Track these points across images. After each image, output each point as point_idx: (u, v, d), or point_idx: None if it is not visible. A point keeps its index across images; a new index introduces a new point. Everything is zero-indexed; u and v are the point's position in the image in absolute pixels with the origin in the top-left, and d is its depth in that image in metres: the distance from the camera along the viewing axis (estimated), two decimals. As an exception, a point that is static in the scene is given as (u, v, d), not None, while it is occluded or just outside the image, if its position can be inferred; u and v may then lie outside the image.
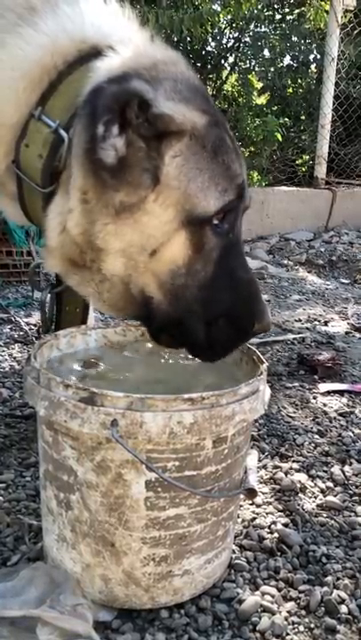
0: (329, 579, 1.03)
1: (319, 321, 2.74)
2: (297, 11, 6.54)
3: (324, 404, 1.79)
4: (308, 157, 6.11)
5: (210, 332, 0.98)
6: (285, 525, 1.17)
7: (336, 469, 1.40)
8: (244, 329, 1.00)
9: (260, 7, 5.99)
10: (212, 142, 0.94)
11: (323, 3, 5.59)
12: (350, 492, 1.32)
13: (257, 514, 1.21)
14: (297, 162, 6.21)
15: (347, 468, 1.42)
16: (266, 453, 1.45)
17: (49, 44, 0.97)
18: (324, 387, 1.92)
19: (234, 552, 1.07)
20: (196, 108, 0.93)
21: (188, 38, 5.71)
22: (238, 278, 0.99)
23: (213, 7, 5.31)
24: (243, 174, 0.98)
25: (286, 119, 6.37)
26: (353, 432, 1.61)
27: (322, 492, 1.31)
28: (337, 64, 4.92)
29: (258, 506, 1.24)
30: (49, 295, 1.24)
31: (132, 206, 0.91)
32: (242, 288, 0.99)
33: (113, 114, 0.86)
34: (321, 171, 5.09)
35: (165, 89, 0.91)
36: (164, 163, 0.91)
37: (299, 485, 1.31)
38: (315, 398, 1.84)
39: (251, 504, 1.24)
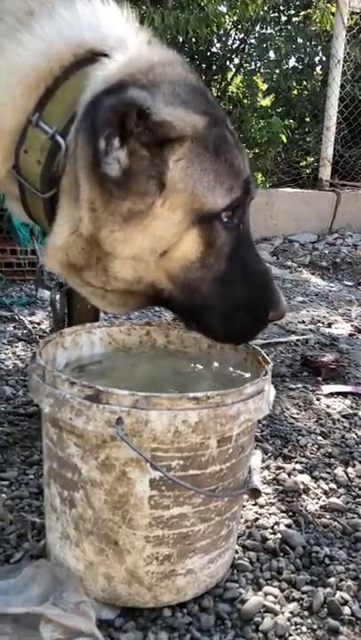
0: (332, 580, 1.03)
1: (323, 323, 2.74)
2: (303, 13, 6.54)
3: (328, 406, 1.79)
4: (312, 159, 6.11)
5: (227, 322, 1.01)
6: (288, 526, 1.17)
7: (339, 471, 1.39)
8: (259, 318, 1.02)
9: (265, 9, 5.99)
10: (214, 142, 0.94)
11: (329, 5, 5.58)
12: (353, 493, 1.32)
13: (260, 514, 1.20)
14: (301, 164, 6.21)
15: (350, 469, 1.41)
16: (269, 454, 1.45)
17: (45, 49, 0.97)
18: (327, 388, 1.91)
19: (237, 552, 1.07)
20: (195, 110, 0.93)
21: (194, 39, 5.72)
22: (251, 269, 1.01)
23: (219, 8, 5.31)
24: (246, 169, 0.99)
25: (291, 121, 6.38)
26: (356, 434, 1.60)
27: (325, 493, 1.31)
28: (343, 66, 4.91)
29: (261, 506, 1.23)
30: (58, 294, 1.24)
31: (140, 213, 0.92)
32: (255, 279, 1.02)
33: (112, 127, 0.86)
34: (325, 173, 5.08)
35: (163, 93, 0.91)
36: (169, 168, 0.91)
37: (302, 486, 1.31)
38: (318, 400, 1.83)
39: (254, 504, 1.24)
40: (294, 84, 6.73)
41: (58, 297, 1.23)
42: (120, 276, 0.98)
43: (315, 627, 0.93)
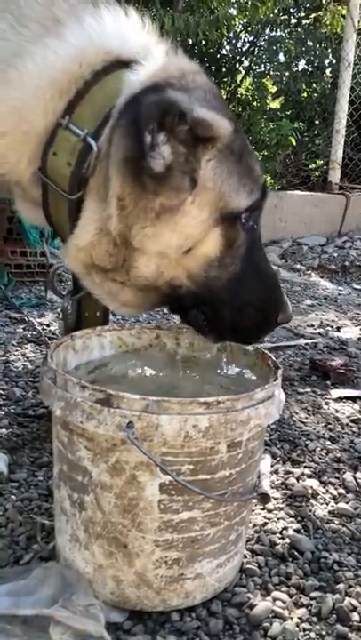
0: (341, 586, 1.02)
1: (332, 326, 2.73)
2: (313, 15, 6.53)
3: (337, 410, 1.78)
4: (321, 162, 6.09)
5: (238, 320, 1.05)
6: (297, 531, 1.17)
7: (348, 476, 1.39)
8: (268, 319, 1.07)
9: (275, 11, 5.99)
10: (238, 147, 1.00)
11: (340, 7, 5.57)
12: (362, 499, 1.31)
13: (268, 519, 1.20)
14: (311, 166, 6.19)
15: (359, 474, 1.41)
16: (277, 458, 1.45)
17: (77, 54, 1.00)
18: (336, 393, 1.91)
19: (245, 557, 1.07)
20: (224, 114, 0.99)
21: (203, 42, 5.72)
22: (262, 271, 1.07)
23: (230, 11, 5.31)
24: (262, 175, 1.06)
25: (300, 123, 6.36)
26: (365, 439, 1.60)
27: (334, 498, 1.31)
28: (353, 69, 4.90)
29: (269, 511, 1.23)
30: (70, 302, 1.25)
31: (172, 209, 0.95)
32: (266, 280, 1.07)
33: (156, 122, 0.89)
34: (335, 176, 5.07)
35: (197, 97, 0.96)
36: (201, 167, 0.96)
37: (310, 491, 1.31)
38: (327, 404, 1.83)
39: (262, 509, 1.23)
40: (304, 87, 6.72)
41: (70, 305, 1.24)
42: (142, 273, 1.01)
43: (323, 633, 0.93)
